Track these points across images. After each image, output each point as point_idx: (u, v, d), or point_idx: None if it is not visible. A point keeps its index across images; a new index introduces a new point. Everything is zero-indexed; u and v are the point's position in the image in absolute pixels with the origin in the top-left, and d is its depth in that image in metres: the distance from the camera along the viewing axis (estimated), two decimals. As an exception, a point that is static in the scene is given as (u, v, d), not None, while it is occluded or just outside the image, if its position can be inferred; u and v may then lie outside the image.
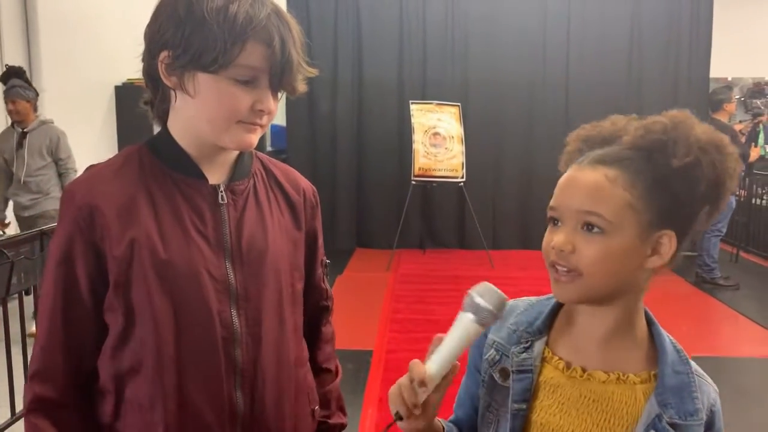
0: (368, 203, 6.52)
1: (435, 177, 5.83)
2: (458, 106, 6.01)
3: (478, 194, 6.20)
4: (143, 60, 0.93)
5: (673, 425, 0.76)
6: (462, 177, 5.81)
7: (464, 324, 0.80)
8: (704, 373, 0.82)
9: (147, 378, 0.90)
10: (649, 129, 0.77)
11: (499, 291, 0.79)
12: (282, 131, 6.78)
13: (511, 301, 0.89)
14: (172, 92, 0.92)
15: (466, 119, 6.03)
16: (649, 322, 0.83)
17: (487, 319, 0.79)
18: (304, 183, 1.09)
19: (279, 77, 0.90)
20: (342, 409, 1.17)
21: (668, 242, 0.76)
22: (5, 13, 4.53)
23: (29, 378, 0.92)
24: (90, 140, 5.24)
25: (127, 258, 0.89)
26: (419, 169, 5.76)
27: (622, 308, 0.79)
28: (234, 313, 0.93)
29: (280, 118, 6.80)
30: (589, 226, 0.75)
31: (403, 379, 0.78)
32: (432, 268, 5.66)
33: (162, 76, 0.90)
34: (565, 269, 0.76)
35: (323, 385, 1.14)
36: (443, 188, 6.19)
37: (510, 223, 6.47)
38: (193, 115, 0.92)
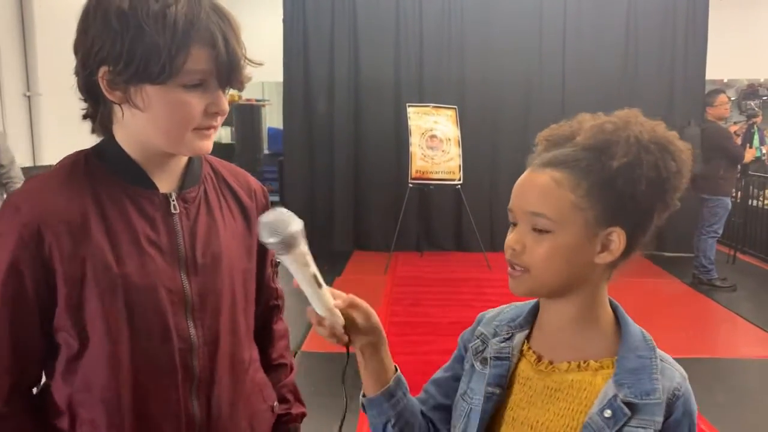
0: (366, 206, 6.52)
1: (432, 179, 5.83)
2: (455, 108, 6.02)
3: (475, 197, 6.20)
4: (76, 74, 0.88)
5: (628, 404, 0.76)
6: (459, 179, 5.82)
7: (288, 265, 0.80)
8: (673, 362, 0.83)
9: (103, 397, 0.89)
10: (600, 129, 0.79)
11: (275, 216, 0.79)
12: (278, 134, 6.79)
13: (503, 306, 0.94)
14: (117, 106, 0.88)
15: (462, 121, 6.04)
16: (615, 312, 0.85)
17: (287, 247, 0.78)
18: (255, 184, 1.08)
19: (227, 76, 0.87)
20: (299, 400, 1.19)
21: (617, 239, 0.78)
22: (1, 15, 4.53)
23: None
24: (87, 143, 5.23)
25: (80, 276, 0.86)
26: (416, 171, 5.76)
27: (580, 300, 0.82)
28: (191, 324, 0.92)
29: (276, 121, 6.80)
30: (537, 227, 0.79)
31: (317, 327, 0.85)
32: (429, 271, 5.67)
33: (105, 92, 0.86)
34: (518, 267, 0.81)
35: (279, 380, 1.15)
36: (440, 191, 6.20)
37: (507, 226, 6.41)
38: (145, 126, 0.88)
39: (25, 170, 4.34)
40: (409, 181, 5.76)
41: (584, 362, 0.81)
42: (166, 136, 0.88)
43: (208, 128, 0.90)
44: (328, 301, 0.83)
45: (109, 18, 0.82)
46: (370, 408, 0.89)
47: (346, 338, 0.85)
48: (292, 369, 1.19)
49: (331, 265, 5.56)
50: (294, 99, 6.45)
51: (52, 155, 4.69)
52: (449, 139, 5.88)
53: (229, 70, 0.87)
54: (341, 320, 0.84)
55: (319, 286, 0.81)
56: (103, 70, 0.84)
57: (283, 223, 0.78)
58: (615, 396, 0.77)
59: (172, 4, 0.82)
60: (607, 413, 0.76)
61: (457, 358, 0.95)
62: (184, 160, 0.97)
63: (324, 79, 6.38)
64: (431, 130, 5.86)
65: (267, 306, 1.14)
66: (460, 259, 6.13)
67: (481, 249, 5.82)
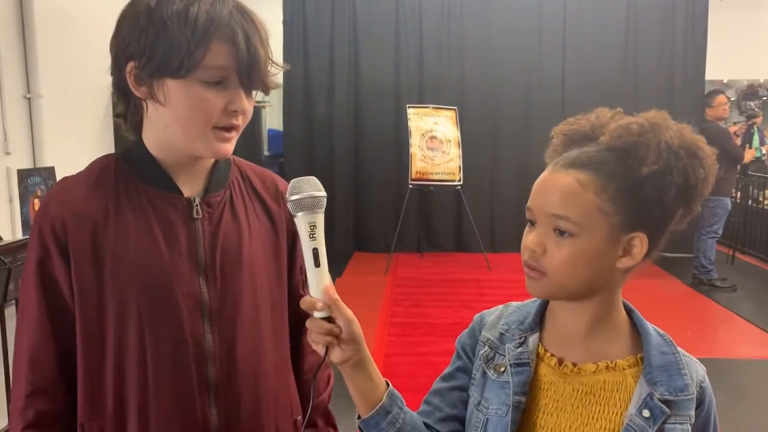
0: (366, 207, 6.52)
1: (432, 180, 5.84)
2: (455, 109, 6.03)
3: (476, 197, 6.21)
4: (112, 73, 0.91)
5: (665, 402, 0.77)
6: (459, 180, 5.83)
7: (300, 227, 0.80)
8: (689, 354, 0.84)
9: (116, 402, 0.88)
10: (627, 130, 0.77)
11: (303, 177, 0.81)
12: (279, 136, 6.79)
13: (500, 306, 0.91)
14: (144, 103, 0.90)
15: (462, 122, 6.05)
16: (629, 311, 0.85)
17: (300, 208, 0.79)
18: (282, 186, 1.06)
19: (248, 75, 0.87)
20: (332, 424, 1.13)
21: (640, 244, 0.77)
22: (1, 17, 4.53)
23: (27, 396, 0.89)
24: (88, 145, 5.24)
25: (96, 276, 0.87)
26: (416, 172, 5.77)
27: (599, 303, 0.81)
28: (207, 329, 0.91)
29: (276, 123, 6.81)
30: (559, 230, 0.77)
31: (308, 320, 0.80)
32: (429, 272, 5.67)
33: (131, 88, 0.88)
34: (535, 269, 0.79)
35: (309, 398, 1.08)
36: (440, 192, 6.20)
37: (507, 226, 6.47)
38: (166, 124, 0.89)
39: (24, 172, 4.34)
40: (410, 182, 5.77)
41: (612, 362, 0.80)
42: (186, 132, 0.88)
43: (229, 129, 0.90)
44: (324, 283, 0.78)
45: (138, 16, 0.86)
46: (368, 429, 0.81)
47: (333, 340, 0.78)
48: (327, 385, 1.13)
49: (331, 266, 5.51)
50: (294, 100, 6.45)
51: (52, 157, 4.69)
52: (449, 140, 5.88)
53: (249, 68, 0.86)
54: (328, 313, 0.78)
55: (317, 264, 0.78)
56: (130, 65, 0.87)
57: (305, 183, 0.79)
58: (650, 395, 0.77)
59: (195, 2, 0.84)
60: (646, 413, 0.76)
61: (459, 368, 0.90)
62: (210, 163, 0.97)
63: (324, 81, 6.39)
64: (431, 131, 5.87)
65: (296, 315, 1.07)
66: (460, 260, 6.13)
67: (482, 250, 5.82)
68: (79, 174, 0.94)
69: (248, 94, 0.90)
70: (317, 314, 0.78)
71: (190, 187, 0.95)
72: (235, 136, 0.92)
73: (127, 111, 0.93)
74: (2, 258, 2.50)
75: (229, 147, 0.92)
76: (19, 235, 4.20)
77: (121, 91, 0.92)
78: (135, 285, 0.88)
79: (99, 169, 0.93)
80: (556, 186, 0.77)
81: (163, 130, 0.90)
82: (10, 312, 2.73)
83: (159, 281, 0.89)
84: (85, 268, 0.87)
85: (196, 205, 0.93)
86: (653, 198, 0.75)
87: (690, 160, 0.76)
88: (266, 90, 0.92)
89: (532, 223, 0.81)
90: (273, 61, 0.90)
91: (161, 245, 0.90)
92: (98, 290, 0.87)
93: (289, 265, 1.05)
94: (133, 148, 0.94)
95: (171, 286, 0.89)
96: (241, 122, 0.91)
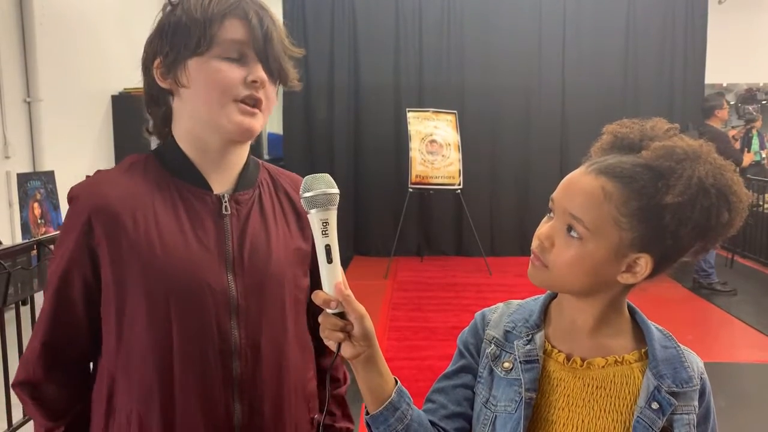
0: (366, 211, 6.52)
1: (432, 184, 5.84)
2: (455, 113, 6.04)
3: (475, 201, 6.21)
4: (144, 82, 0.96)
5: (672, 393, 0.79)
6: (459, 184, 5.83)
7: (313, 224, 0.79)
8: (686, 346, 0.86)
9: (141, 392, 0.90)
10: (669, 152, 0.78)
11: (317, 174, 0.80)
12: (278, 139, 6.79)
13: (501, 304, 0.93)
14: (171, 99, 0.94)
15: (462, 126, 6.05)
16: (632, 311, 0.87)
17: (311, 204, 0.78)
18: None
19: (263, 49, 0.92)
20: (348, 417, 1.16)
21: (644, 265, 0.78)
22: (1, 22, 4.53)
23: (19, 364, 0.95)
24: (87, 149, 5.24)
25: (124, 269, 0.89)
26: (416, 176, 5.77)
27: (604, 302, 0.83)
28: (234, 324, 0.93)
29: (276, 127, 6.81)
30: (570, 229, 0.78)
31: (321, 316, 0.80)
32: (430, 276, 5.66)
33: (158, 81, 0.93)
34: (539, 259, 0.81)
35: (327, 391, 1.12)
36: (440, 196, 6.21)
37: (507, 230, 6.48)
38: (191, 108, 0.93)
39: (24, 176, 4.34)
40: (409, 185, 5.77)
41: (620, 357, 0.83)
42: (207, 105, 0.92)
43: (251, 103, 0.92)
44: (336, 279, 0.79)
45: (161, 19, 0.94)
46: (376, 425, 0.82)
47: (345, 336, 0.78)
48: (345, 381, 1.16)
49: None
50: (294, 104, 6.46)
51: (51, 161, 4.70)
52: (449, 144, 5.89)
53: (264, 42, 0.91)
54: (341, 309, 0.79)
55: (329, 261, 0.79)
56: (156, 62, 0.93)
57: (318, 180, 0.79)
58: (658, 388, 0.79)
59: None
60: (655, 405, 0.79)
61: (463, 366, 0.91)
62: (240, 162, 1.00)
63: (324, 84, 6.39)
64: (431, 135, 5.87)
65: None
66: (460, 264, 6.12)
67: (482, 254, 5.82)
68: (113, 168, 0.97)
69: (268, 72, 0.93)
70: (330, 310, 0.79)
71: (221, 185, 0.97)
72: (259, 114, 0.94)
73: (157, 118, 0.98)
74: (2, 262, 2.50)
75: (255, 123, 0.93)
76: (19, 239, 4.21)
77: (151, 98, 0.97)
78: (164, 277, 0.89)
79: (129, 163, 0.96)
80: (582, 188, 0.79)
81: (188, 119, 0.94)
82: (10, 316, 2.73)
83: (187, 274, 0.90)
84: (113, 261, 0.89)
85: (226, 202, 0.95)
86: (670, 227, 0.76)
87: (718, 201, 0.76)
88: (284, 79, 0.96)
89: (551, 214, 0.82)
90: (288, 46, 0.95)
91: (190, 239, 0.92)
92: (126, 282, 0.89)
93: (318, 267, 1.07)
94: (165, 145, 0.98)
95: (199, 280, 0.91)
96: (263, 97, 0.93)
